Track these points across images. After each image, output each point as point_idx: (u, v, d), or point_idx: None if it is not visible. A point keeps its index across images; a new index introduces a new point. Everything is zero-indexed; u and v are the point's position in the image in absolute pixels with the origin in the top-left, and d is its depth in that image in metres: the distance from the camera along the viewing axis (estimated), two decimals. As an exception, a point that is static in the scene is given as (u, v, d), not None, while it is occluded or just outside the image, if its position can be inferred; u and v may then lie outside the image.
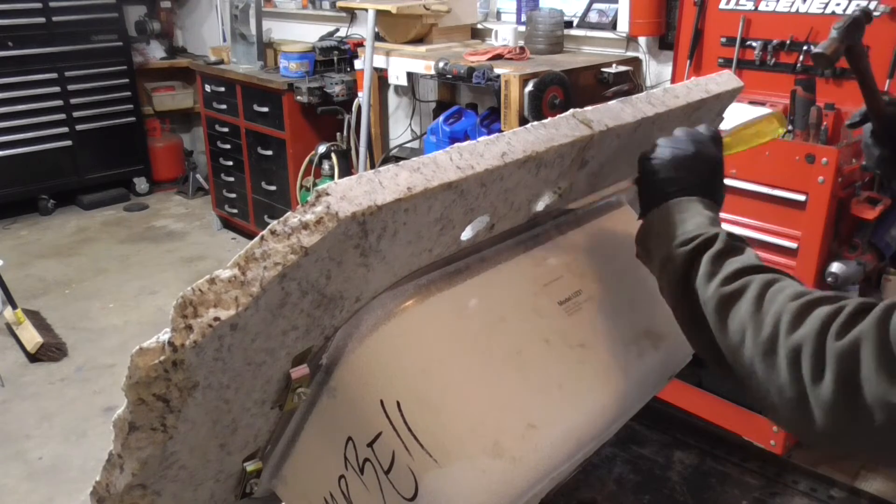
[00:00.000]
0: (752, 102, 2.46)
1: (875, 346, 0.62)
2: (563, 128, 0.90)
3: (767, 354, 0.70)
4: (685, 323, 0.84)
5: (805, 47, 2.44)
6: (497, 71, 2.88)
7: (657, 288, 0.90)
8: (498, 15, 3.77)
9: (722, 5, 2.61)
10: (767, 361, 0.70)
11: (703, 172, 0.91)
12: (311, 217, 0.66)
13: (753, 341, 0.72)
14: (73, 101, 5.14)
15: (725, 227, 0.86)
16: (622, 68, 3.03)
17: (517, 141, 0.84)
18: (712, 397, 2.49)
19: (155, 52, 5.76)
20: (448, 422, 0.82)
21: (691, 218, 0.86)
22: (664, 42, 3.05)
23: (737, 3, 2.58)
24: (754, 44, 2.54)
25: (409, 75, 3.35)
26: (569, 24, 3.35)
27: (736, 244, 0.82)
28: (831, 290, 2.26)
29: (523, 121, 2.74)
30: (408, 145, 3.92)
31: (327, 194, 0.67)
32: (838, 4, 2.37)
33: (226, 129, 4.59)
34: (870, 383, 0.61)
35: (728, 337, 0.75)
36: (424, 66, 3.19)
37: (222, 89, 4.51)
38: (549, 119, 0.91)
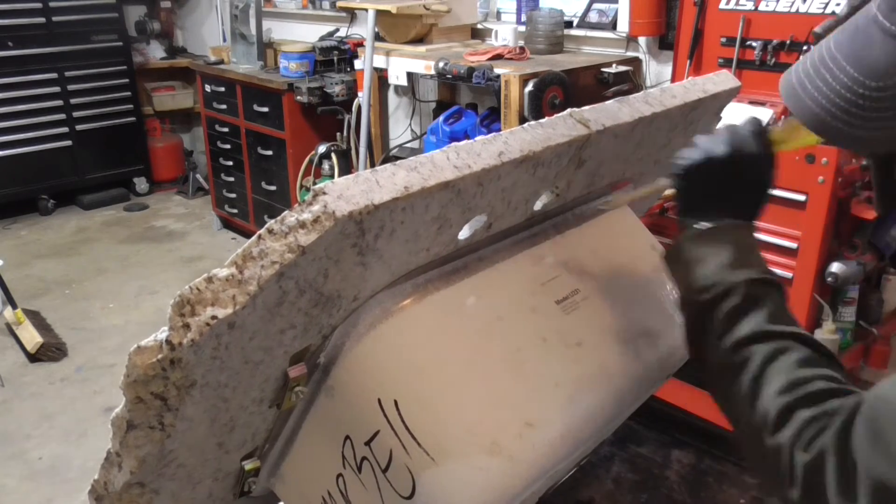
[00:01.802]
0: (752, 102, 2.46)
1: (836, 464, 0.63)
2: (561, 127, 0.90)
3: (755, 444, 0.72)
4: (696, 363, 0.84)
5: (805, 47, 2.43)
6: (497, 71, 2.88)
7: (655, 287, 0.90)
8: (498, 15, 3.77)
9: (722, 5, 2.61)
10: (754, 449, 0.72)
11: (738, 183, 0.84)
12: (308, 216, 0.66)
13: (746, 424, 0.74)
14: (73, 101, 5.13)
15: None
16: (622, 68, 3.03)
17: (514, 140, 0.85)
18: (710, 396, 2.49)
19: (155, 52, 5.76)
20: (445, 420, 0.82)
21: (713, 256, 0.81)
22: (664, 42, 3.05)
23: (737, 3, 2.58)
24: (754, 44, 2.54)
25: (409, 75, 3.35)
26: (569, 24, 3.35)
27: (754, 293, 0.78)
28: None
29: (523, 121, 2.74)
30: (408, 145, 3.92)
31: (324, 193, 0.67)
32: (838, 4, 2.37)
33: (226, 129, 4.59)
34: (833, 500, 0.62)
35: (728, 405, 0.77)
36: (424, 66, 3.19)
37: (222, 89, 4.51)
38: (547, 119, 0.91)
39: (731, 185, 0.84)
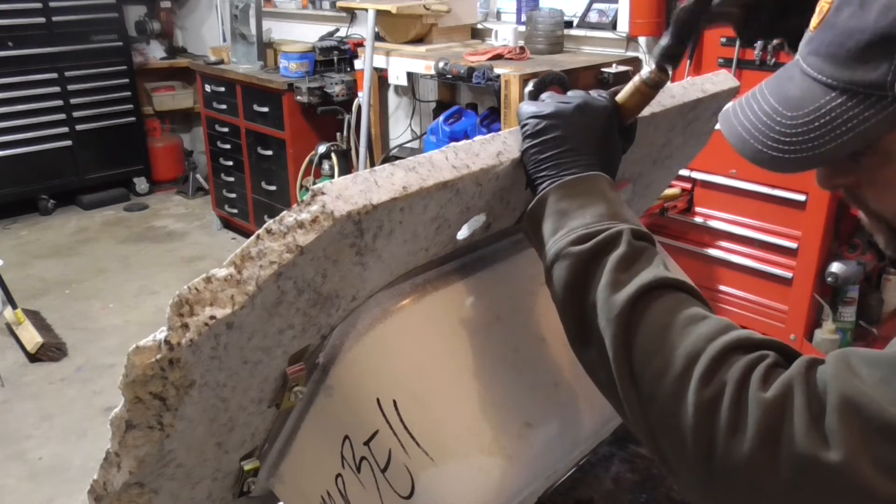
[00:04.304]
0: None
1: (804, 400, 0.58)
2: (560, 127, 0.90)
3: (675, 397, 0.63)
4: (574, 331, 0.75)
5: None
6: (497, 71, 2.88)
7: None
8: (498, 15, 3.77)
9: (721, 5, 2.61)
10: (673, 404, 0.63)
11: (592, 132, 0.82)
12: (306, 216, 0.66)
13: (659, 378, 0.65)
14: (73, 101, 5.14)
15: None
16: (622, 68, 3.03)
17: (513, 140, 0.85)
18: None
19: (155, 52, 5.77)
20: (444, 420, 0.82)
21: (590, 204, 0.76)
22: (664, 42, 3.05)
23: (736, 3, 2.58)
24: (754, 44, 2.54)
25: (409, 75, 3.35)
26: (569, 24, 3.35)
27: (640, 244, 0.74)
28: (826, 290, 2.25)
29: (523, 121, 2.74)
30: (408, 145, 3.92)
31: (323, 193, 0.67)
32: (837, 4, 2.37)
33: (226, 129, 4.60)
34: (797, 438, 0.57)
35: (628, 362, 0.67)
36: (424, 66, 3.19)
37: (222, 89, 4.51)
38: (546, 118, 0.91)
39: (586, 134, 0.82)
